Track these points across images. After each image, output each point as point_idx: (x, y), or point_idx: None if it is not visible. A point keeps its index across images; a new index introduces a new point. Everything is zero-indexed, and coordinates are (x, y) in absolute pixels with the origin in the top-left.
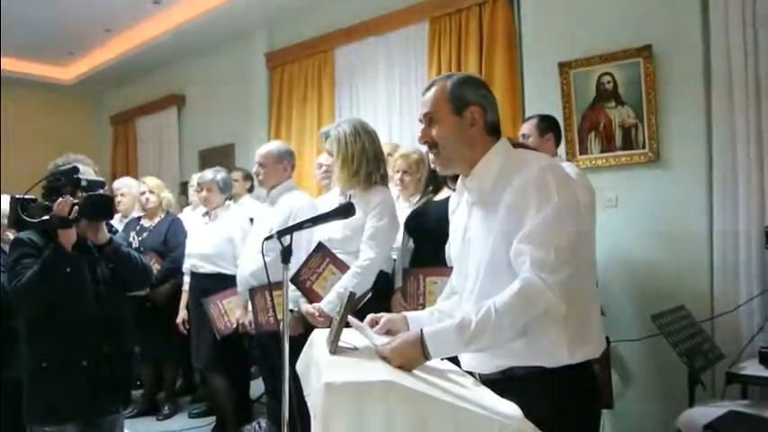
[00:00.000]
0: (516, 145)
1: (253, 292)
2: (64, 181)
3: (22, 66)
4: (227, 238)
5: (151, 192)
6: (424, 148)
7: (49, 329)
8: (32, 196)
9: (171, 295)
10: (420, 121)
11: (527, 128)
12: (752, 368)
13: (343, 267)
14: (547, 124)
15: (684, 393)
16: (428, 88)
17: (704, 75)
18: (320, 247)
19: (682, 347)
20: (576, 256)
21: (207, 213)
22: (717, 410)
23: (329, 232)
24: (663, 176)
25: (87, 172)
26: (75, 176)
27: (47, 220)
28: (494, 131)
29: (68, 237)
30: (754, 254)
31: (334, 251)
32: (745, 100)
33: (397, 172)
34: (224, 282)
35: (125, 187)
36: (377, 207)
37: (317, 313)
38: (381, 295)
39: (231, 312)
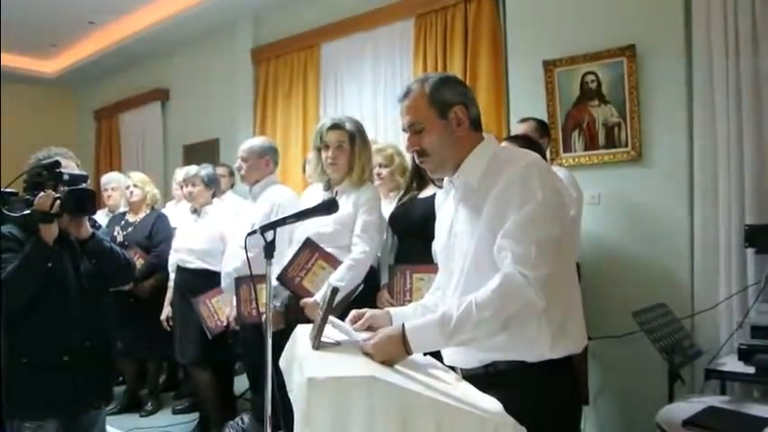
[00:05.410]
0: (524, 139)
1: (239, 281)
2: (46, 175)
3: (3, 58)
4: (218, 234)
5: (136, 186)
6: (401, 146)
7: (29, 324)
8: (13, 190)
9: (155, 290)
10: (404, 130)
11: (528, 129)
12: (731, 364)
13: (333, 261)
14: (544, 126)
15: (664, 389)
16: (405, 95)
17: (686, 74)
18: (308, 242)
19: (662, 344)
20: (558, 253)
21: (195, 211)
22: (696, 406)
23: (319, 227)
24: (645, 175)
25: (69, 166)
26: (57, 170)
27: (28, 214)
28: (477, 125)
29: (50, 231)
30: (734, 252)
31: (323, 245)
32: (726, 99)
33: (374, 167)
34: (210, 278)
35: (114, 182)
36: (367, 202)
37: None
38: (369, 290)
39: (221, 311)
